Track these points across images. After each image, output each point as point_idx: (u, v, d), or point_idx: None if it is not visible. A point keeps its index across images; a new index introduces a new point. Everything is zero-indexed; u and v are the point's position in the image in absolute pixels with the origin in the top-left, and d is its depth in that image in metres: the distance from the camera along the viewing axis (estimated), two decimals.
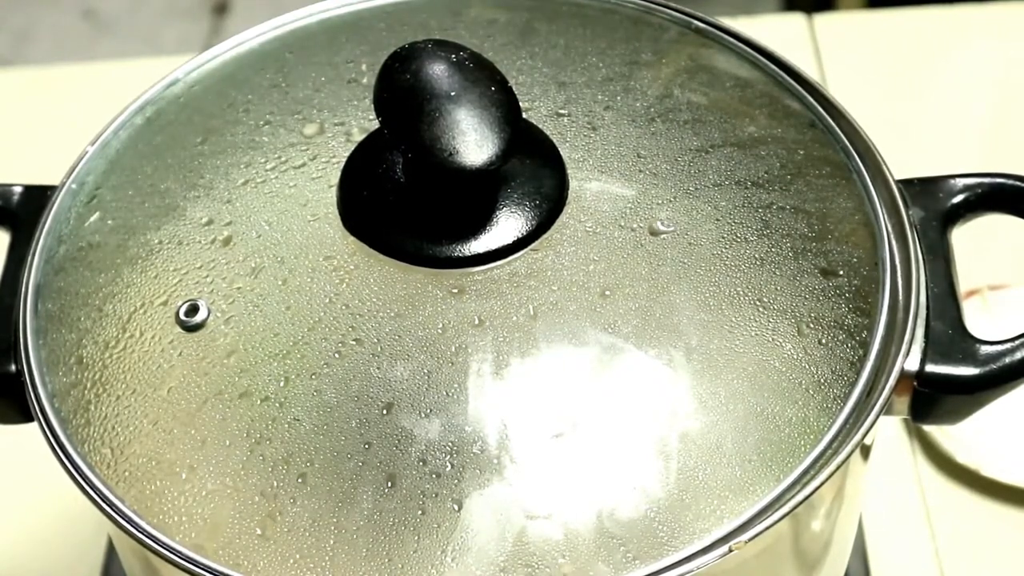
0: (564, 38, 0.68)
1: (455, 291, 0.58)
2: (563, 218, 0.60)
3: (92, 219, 0.64)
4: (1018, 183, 0.63)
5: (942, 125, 0.97)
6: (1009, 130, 0.96)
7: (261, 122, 0.66)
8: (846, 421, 0.56)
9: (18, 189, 0.67)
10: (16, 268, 0.64)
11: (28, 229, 0.65)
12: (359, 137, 0.63)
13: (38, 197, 0.66)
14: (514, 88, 0.59)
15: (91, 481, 0.57)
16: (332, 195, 0.62)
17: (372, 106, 0.59)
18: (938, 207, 0.63)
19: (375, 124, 0.60)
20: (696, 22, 0.69)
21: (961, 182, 0.64)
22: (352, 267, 0.60)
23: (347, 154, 0.62)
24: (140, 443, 0.58)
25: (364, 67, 0.67)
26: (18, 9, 2.27)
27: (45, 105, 1.06)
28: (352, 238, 0.60)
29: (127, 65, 1.10)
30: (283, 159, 0.64)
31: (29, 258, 0.63)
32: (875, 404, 0.56)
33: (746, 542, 0.53)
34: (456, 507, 0.55)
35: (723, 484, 0.55)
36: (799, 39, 1.04)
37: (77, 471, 0.57)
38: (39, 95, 1.07)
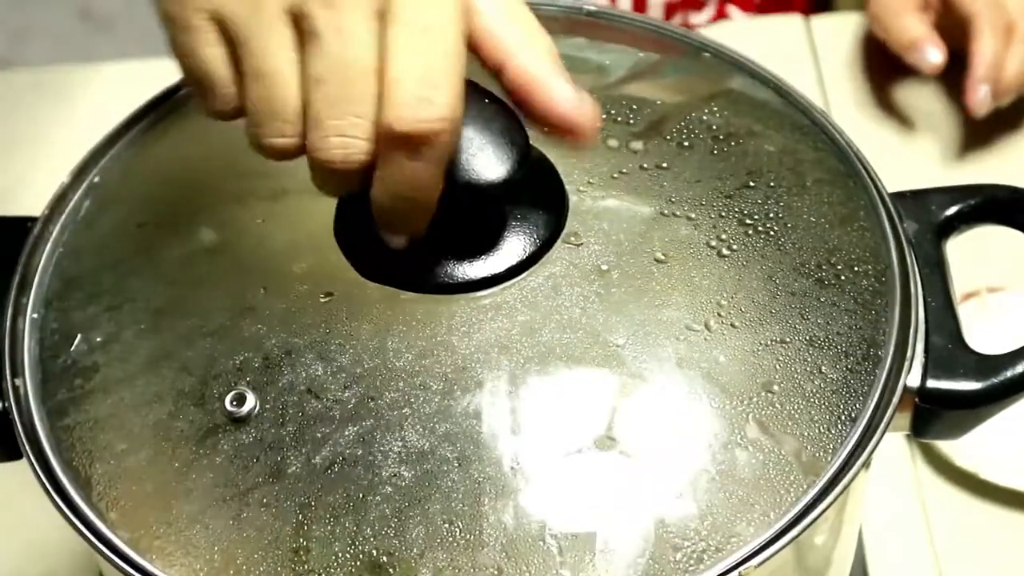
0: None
1: (455, 316, 0.58)
2: (563, 243, 0.59)
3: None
4: (1014, 194, 0.63)
5: (940, 128, 0.97)
6: (1007, 137, 0.96)
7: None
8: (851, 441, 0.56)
9: None
10: None
11: (6, 265, 0.63)
12: None
13: (14, 230, 0.65)
14: None
15: (84, 516, 0.56)
16: (330, 224, 0.60)
17: None
18: (932, 219, 0.63)
19: None
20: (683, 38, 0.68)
21: (954, 194, 0.63)
22: (351, 295, 0.59)
23: None
24: (129, 481, 0.57)
25: None
26: (15, 9, 2.24)
27: (43, 105, 1.04)
28: (350, 267, 0.59)
29: (125, 66, 1.09)
30: (278, 188, 0.63)
31: (11, 296, 0.62)
32: (879, 424, 0.55)
33: (756, 567, 0.53)
34: (466, 527, 0.54)
35: (733, 509, 0.55)
36: (796, 40, 1.04)
37: (71, 509, 0.56)
38: (37, 95, 1.05)
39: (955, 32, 0.94)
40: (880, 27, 0.97)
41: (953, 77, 0.96)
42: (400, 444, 0.55)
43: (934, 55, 0.93)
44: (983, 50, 0.91)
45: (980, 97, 0.91)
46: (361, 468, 0.55)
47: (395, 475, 0.55)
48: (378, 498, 0.54)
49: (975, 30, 0.92)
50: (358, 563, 0.54)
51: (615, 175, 0.62)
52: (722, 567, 0.53)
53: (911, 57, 0.94)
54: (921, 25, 0.94)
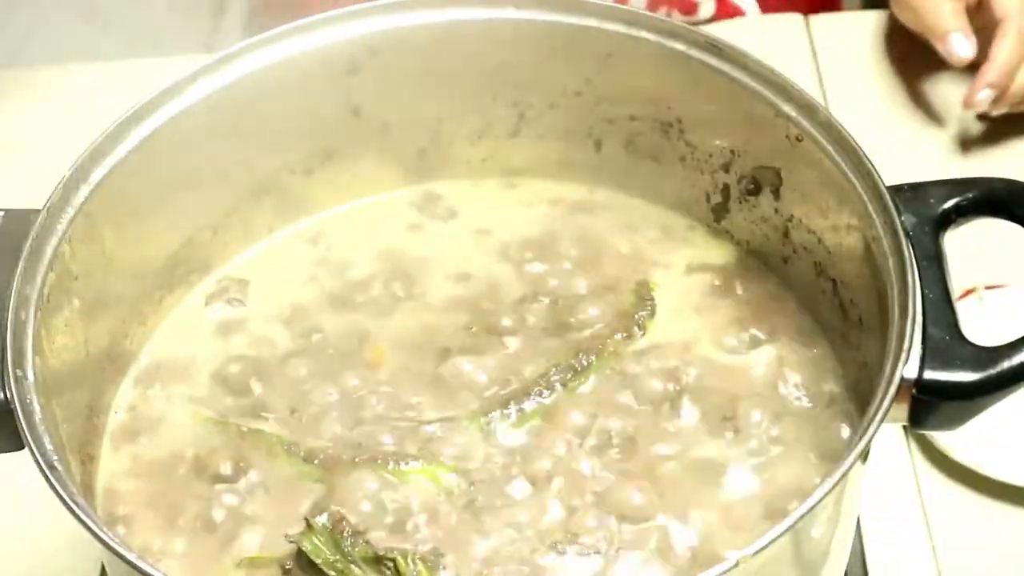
0: None
1: None
2: None
3: None
4: (1008, 187, 0.63)
5: (938, 125, 0.97)
6: (1007, 132, 0.96)
7: None
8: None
9: None
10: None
11: (10, 255, 0.63)
12: None
13: (19, 221, 0.65)
14: None
15: (85, 505, 0.57)
16: None
17: None
18: (930, 213, 0.63)
19: None
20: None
21: (951, 187, 0.63)
22: None
23: None
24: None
25: None
26: (18, 9, 2.23)
27: (44, 103, 1.05)
28: None
29: (127, 65, 1.09)
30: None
31: (13, 286, 0.62)
32: (876, 414, 0.56)
33: (753, 555, 0.53)
34: None
35: None
36: (796, 38, 1.04)
37: (72, 499, 0.57)
38: (39, 95, 1.06)
39: (982, 30, 0.94)
40: (913, 14, 0.96)
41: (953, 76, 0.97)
42: None
43: (965, 49, 0.92)
44: (1002, 54, 0.91)
45: (980, 98, 0.91)
46: None
47: None
48: None
49: (1002, 32, 0.92)
50: None
51: None
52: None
53: (942, 47, 0.94)
54: (958, 17, 0.93)
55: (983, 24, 0.94)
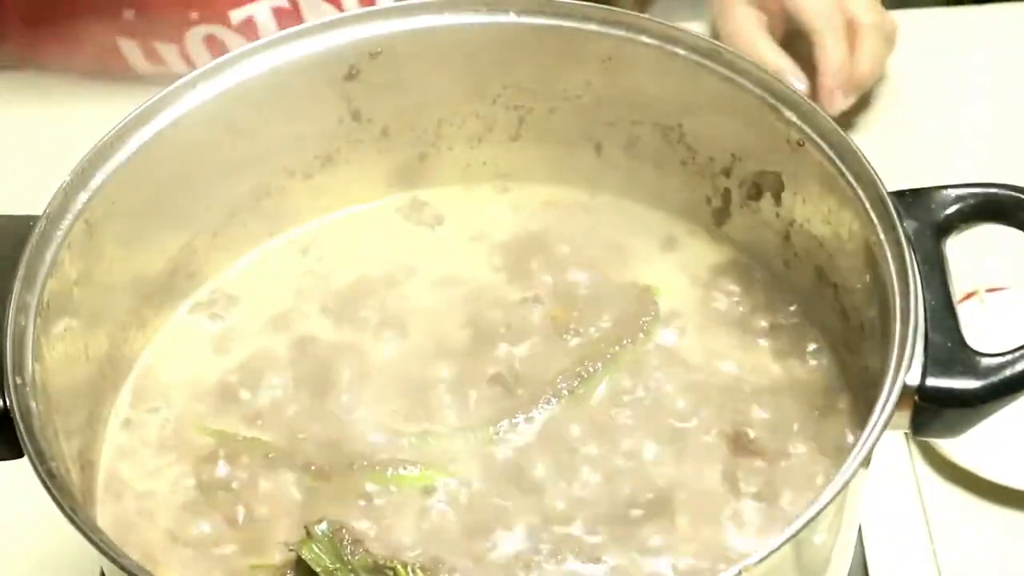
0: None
1: None
2: None
3: None
4: (1011, 193, 0.63)
5: (939, 128, 0.97)
6: (1007, 136, 0.96)
7: None
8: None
9: None
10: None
11: (10, 261, 0.63)
12: None
13: (19, 227, 0.65)
14: None
15: (84, 513, 0.56)
16: None
17: None
18: (931, 219, 0.62)
19: None
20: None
21: (954, 193, 0.63)
22: None
23: None
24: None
25: None
26: None
27: (44, 105, 1.04)
28: None
29: None
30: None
31: (13, 293, 0.62)
32: (878, 422, 0.56)
33: (755, 563, 0.53)
34: None
35: None
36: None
37: (71, 508, 0.57)
38: (39, 99, 1.06)
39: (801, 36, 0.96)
40: None
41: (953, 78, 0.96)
42: None
43: (798, 85, 0.94)
44: (827, 58, 0.93)
45: (837, 102, 0.93)
46: None
47: None
48: None
49: (816, 41, 0.94)
50: None
51: None
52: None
53: None
54: (776, 54, 0.95)
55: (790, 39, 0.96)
